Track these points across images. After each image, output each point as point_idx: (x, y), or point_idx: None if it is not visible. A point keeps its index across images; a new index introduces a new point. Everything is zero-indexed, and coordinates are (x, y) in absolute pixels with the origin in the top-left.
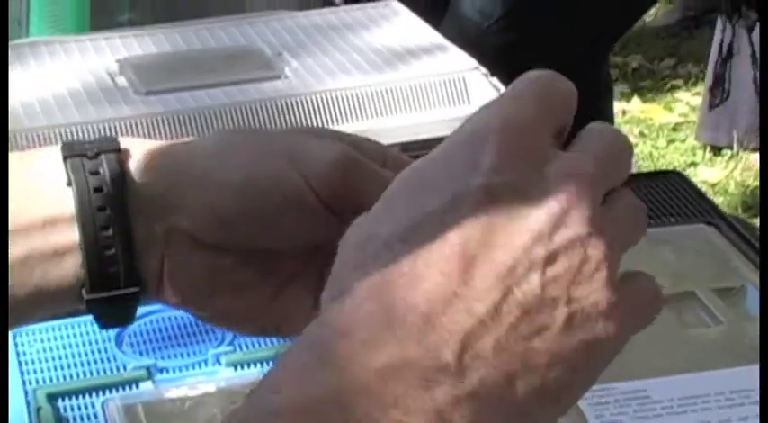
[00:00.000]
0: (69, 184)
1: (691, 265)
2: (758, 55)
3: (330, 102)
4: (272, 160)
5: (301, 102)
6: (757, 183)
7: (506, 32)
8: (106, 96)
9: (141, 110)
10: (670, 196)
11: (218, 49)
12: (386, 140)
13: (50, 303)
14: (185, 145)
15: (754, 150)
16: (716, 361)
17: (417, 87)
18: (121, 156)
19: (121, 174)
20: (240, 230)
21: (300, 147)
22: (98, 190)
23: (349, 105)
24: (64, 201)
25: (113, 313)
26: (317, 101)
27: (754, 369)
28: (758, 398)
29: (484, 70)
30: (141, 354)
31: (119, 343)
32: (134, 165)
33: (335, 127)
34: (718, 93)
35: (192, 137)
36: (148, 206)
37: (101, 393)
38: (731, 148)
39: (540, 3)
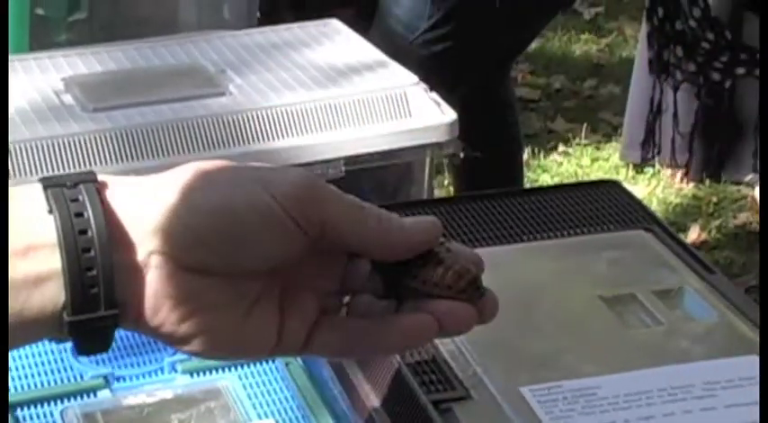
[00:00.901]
0: (50, 211)
1: (630, 269)
2: (678, 115)
3: (274, 117)
4: (244, 184)
5: (246, 117)
6: (678, 200)
7: (432, 45)
8: (54, 114)
9: (89, 126)
10: (608, 204)
11: (162, 66)
12: (330, 154)
13: (31, 331)
14: (159, 175)
15: (673, 168)
16: (658, 359)
17: (360, 102)
18: (99, 186)
19: (101, 201)
20: (219, 251)
21: (268, 172)
22: (79, 215)
23: (293, 120)
24: (45, 229)
25: (93, 338)
26: (261, 116)
27: (695, 366)
28: (700, 393)
29: (424, 85)
30: (98, 363)
31: (75, 353)
32: (111, 194)
33: (280, 141)
34: (650, 147)
35: (140, 151)
36: (127, 232)
37: (59, 402)
38: (653, 166)
39: (463, 16)
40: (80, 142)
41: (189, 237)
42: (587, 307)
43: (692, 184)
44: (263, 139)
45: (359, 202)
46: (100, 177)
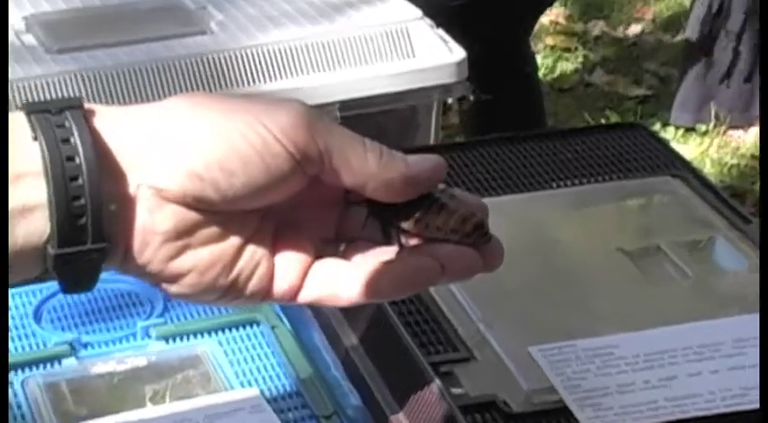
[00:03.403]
0: (35, 138)
1: (656, 219)
2: (739, 67)
3: (260, 57)
4: (237, 115)
5: (229, 58)
6: (735, 161)
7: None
8: (14, 55)
9: (53, 69)
10: (633, 149)
11: (135, 3)
12: (323, 99)
13: (17, 265)
14: (150, 105)
15: (731, 127)
16: (683, 315)
17: (356, 40)
18: (86, 112)
19: (88, 127)
20: (211, 184)
21: (262, 103)
22: (65, 141)
23: (281, 61)
24: (31, 156)
25: (78, 273)
26: (245, 56)
27: (723, 323)
28: (729, 351)
29: (429, 21)
30: (63, 329)
31: (37, 318)
32: (100, 121)
33: (267, 84)
34: (704, 106)
35: (109, 97)
36: (116, 160)
37: (20, 371)
38: (706, 123)
39: None
40: (43, 86)
41: (180, 168)
42: (607, 260)
43: (750, 142)
44: (248, 81)
45: (359, 136)
46: (86, 105)
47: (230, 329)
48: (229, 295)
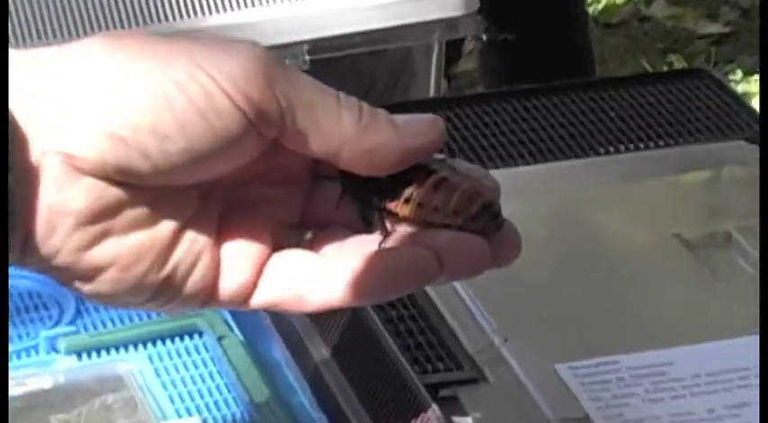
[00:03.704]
0: None
1: (725, 197)
2: None
3: None
4: (172, 61)
5: None
6: None
7: None
8: None
9: None
10: (699, 104)
11: None
12: (285, 37)
13: None
14: (59, 47)
15: None
16: (757, 323)
17: None
18: None
19: None
20: (139, 150)
21: (206, 45)
22: None
23: None
24: None
25: None
26: None
27: None
28: None
29: None
30: None
31: None
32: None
33: (213, 17)
34: None
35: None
36: (14, 118)
37: None
38: None
39: None
40: None
41: (98, 129)
42: (659, 250)
43: None
44: (188, 13)
45: (331, 90)
46: None
47: (163, 341)
48: (161, 297)
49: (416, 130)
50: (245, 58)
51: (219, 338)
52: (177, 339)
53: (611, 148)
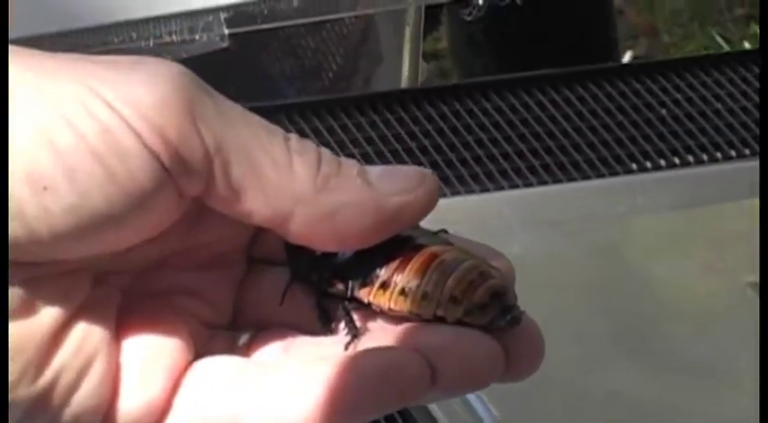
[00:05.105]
0: None
1: None
2: None
3: None
4: (59, 83)
5: None
6: None
7: None
8: None
9: None
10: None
11: None
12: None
13: None
14: None
15: None
16: None
17: None
18: None
19: None
20: (13, 215)
21: (106, 64)
22: None
23: None
24: None
25: None
26: None
27: None
28: None
29: None
30: None
31: None
32: None
33: None
34: None
35: None
36: None
37: None
38: None
39: None
40: None
41: None
42: (731, 305)
43: None
44: None
45: (279, 130)
46: None
47: None
48: (36, 417)
49: (398, 186)
50: (159, 81)
51: None
52: None
53: (661, 163)
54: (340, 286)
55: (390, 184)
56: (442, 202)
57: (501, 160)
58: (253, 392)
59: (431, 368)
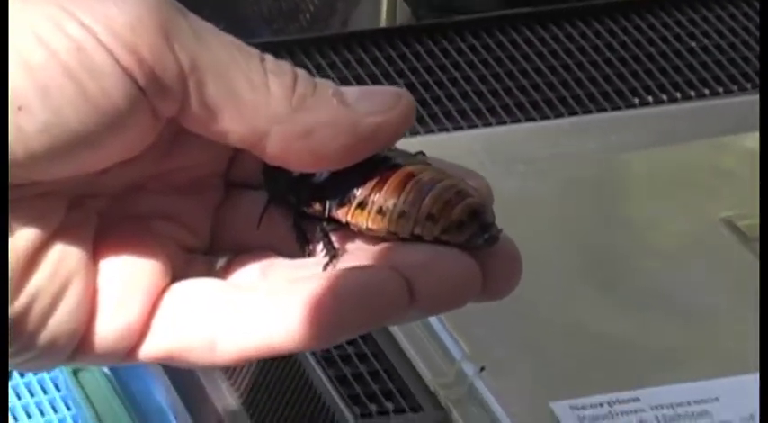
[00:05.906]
0: None
1: None
2: None
3: None
4: (31, 4)
5: None
6: None
7: None
8: None
9: None
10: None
11: None
12: None
13: None
14: None
15: None
16: None
17: None
18: None
19: None
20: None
21: None
22: None
23: None
24: None
25: None
26: None
27: None
28: None
29: None
30: None
31: None
32: None
33: None
34: None
35: None
36: None
37: None
38: None
39: None
40: None
41: None
42: (703, 241)
43: None
44: None
45: (254, 50)
46: None
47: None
48: (12, 341)
49: (374, 106)
50: (133, 1)
51: (75, 372)
52: (18, 375)
53: (646, 98)
54: (318, 206)
55: (366, 104)
56: (414, 140)
57: (475, 98)
58: (231, 314)
59: (409, 286)
